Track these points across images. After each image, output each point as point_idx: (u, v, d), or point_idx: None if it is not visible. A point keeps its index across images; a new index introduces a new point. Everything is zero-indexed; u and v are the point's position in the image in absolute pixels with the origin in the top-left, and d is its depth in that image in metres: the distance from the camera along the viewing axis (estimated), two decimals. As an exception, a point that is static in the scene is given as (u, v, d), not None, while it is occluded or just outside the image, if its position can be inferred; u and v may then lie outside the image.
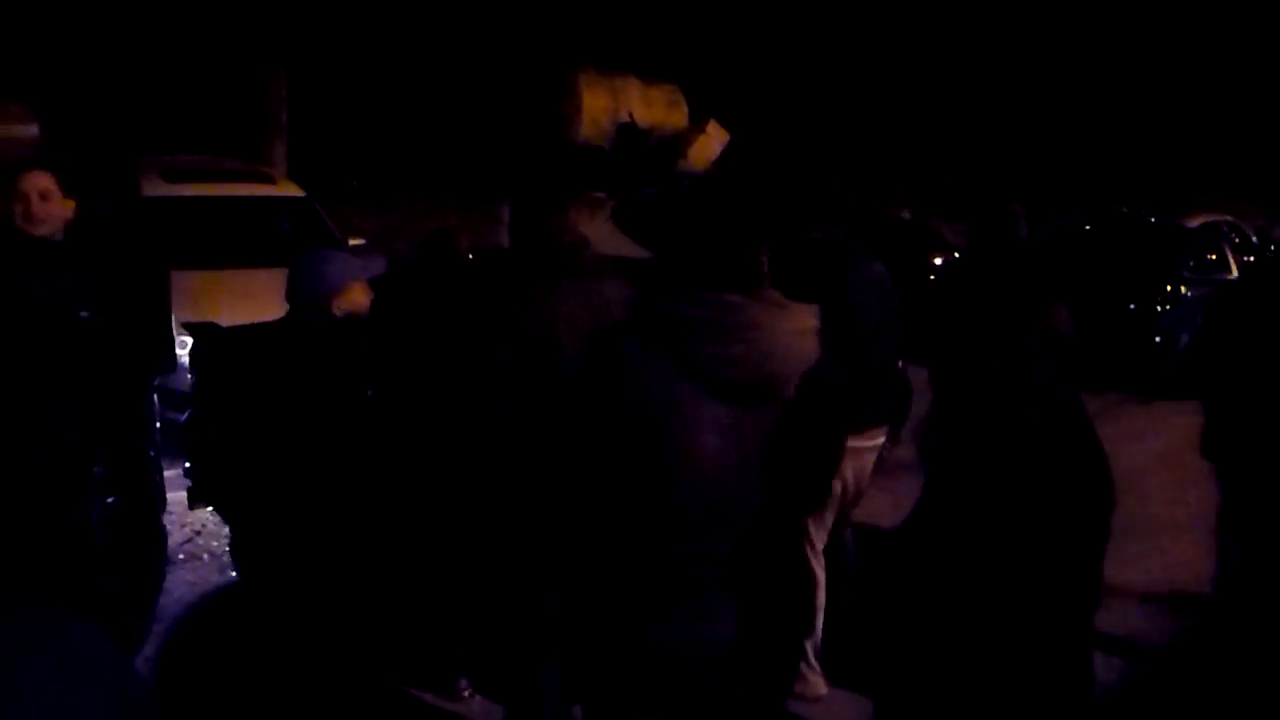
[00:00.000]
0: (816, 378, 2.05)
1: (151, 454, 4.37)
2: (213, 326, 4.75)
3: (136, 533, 4.41)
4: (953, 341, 2.11)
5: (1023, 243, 4.32)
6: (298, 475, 2.85)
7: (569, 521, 2.31)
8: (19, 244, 3.27)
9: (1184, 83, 18.20)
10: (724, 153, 12.93)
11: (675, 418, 2.01)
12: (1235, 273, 9.02)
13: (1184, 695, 3.23)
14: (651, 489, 2.04)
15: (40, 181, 3.29)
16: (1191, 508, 5.40)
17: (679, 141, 13.61)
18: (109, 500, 4.73)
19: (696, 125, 13.76)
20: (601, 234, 11.06)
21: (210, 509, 4.53)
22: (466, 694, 3.60)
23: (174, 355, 4.54)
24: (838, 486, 3.37)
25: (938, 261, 9.91)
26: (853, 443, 3.02)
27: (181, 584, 4.40)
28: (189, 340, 4.85)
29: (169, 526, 4.60)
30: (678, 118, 13.85)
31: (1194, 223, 10.03)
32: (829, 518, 3.57)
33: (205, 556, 4.69)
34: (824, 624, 3.53)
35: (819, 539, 3.55)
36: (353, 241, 7.49)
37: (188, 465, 4.48)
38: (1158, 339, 8.27)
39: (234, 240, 6.95)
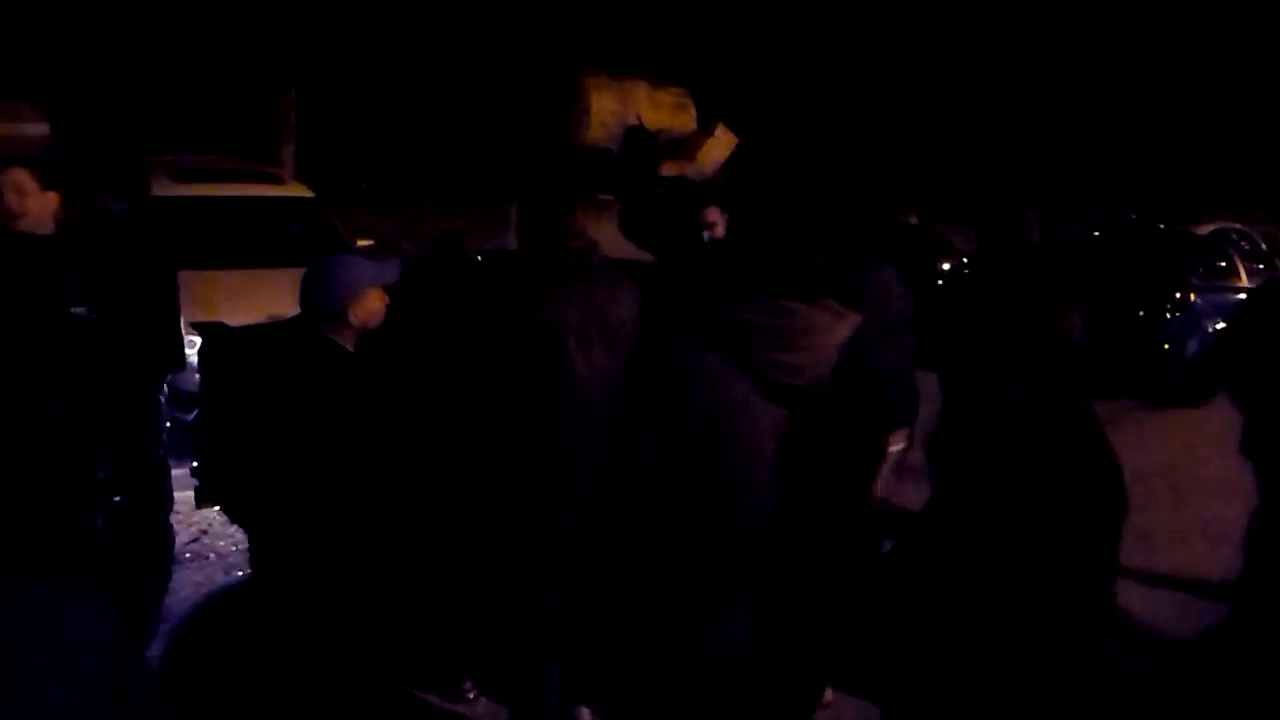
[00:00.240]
0: (859, 379, 2.04)
1: (160, 454, 4.38)
2: (221, 326, 4.75)
3: (143, 532, 4.42)
4: (964, 348, 2.10)
5: (1035, 248, 4.31)
6: (304, 476, 2.84)
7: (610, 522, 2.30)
8: (3, 240, 3.24)
9: (1193, 90, 18.16)
10: (732, 156, 12.94)
11: (735, 423, 2.00)
12: (1244, 280, 9.00)
13: (1202, 697, 3.21)
14: (707, 492, 2.03)
15: (15, 177, 3.26)
16: (1194, 516, 5.38)
17: (687, 144, 13.67)
18: (116, 499, 4.75)
19: (704, 129, 13.83)
20: (610, 236, 11.09)
21: (217, 509, 4.53)
22: (471, 695, 3.60)
23: (183, 354, 4.55)
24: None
25: (945, 266, 9.90)
26: None
27: (188, 583, 4.40)
28: (197, 340, 4.86)
29: (175, 526, 4.60)
30: (686, 121, 13.94)
31: (1203, 230, 10.01)
32: None
33: (211, 556, 4.70)
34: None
35: None
36: (361, 243, 7.50)
37: (195, 465, 4.48)
38: (1166, 346, 8.24)
39: (242, 240, 6.97)
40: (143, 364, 4.24)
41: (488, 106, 13.04)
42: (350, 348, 2.85)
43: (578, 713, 3.40)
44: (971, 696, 1.91)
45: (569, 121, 12.96)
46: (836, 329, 2.04)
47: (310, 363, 2.80)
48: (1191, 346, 8.37)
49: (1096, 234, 9.88)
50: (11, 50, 9.80)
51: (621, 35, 13.68)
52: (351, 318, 2.82)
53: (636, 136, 13.35)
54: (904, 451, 3.69)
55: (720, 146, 13.65)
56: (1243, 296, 9.06)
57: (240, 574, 4.49)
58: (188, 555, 4.65)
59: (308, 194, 7.84)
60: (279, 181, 8.27)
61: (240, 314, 5.19)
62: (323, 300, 2.83)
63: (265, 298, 5.45)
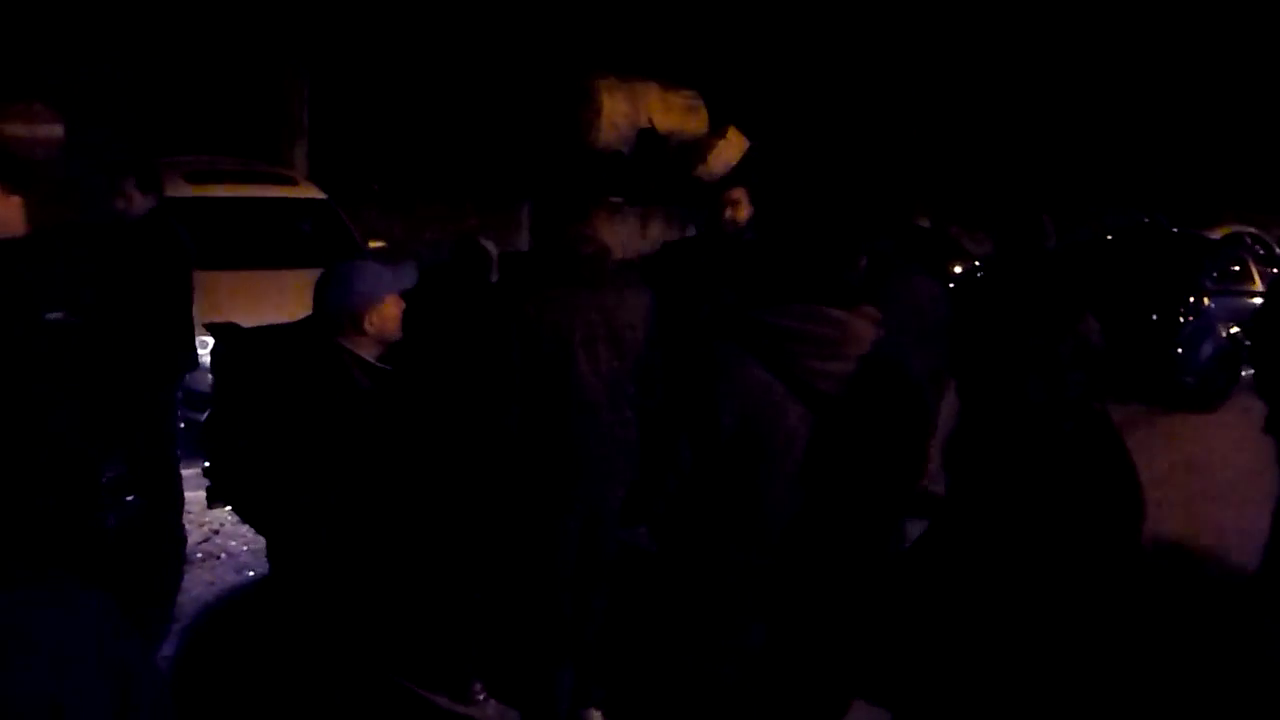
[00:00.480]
0: (896, 380, 2.04)
1: (174, 454, 4.39)
2: (233, 327, 4.77)
3: (155, 532, 4.44)
4: (982, 352, 2.10)
5: (1051, 253, 4.29)
6: (315, 481, 2.82)
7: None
8: None
9: (1206, 93, 18.08)
10: (745, 158, 12.92)
11: (772, 428, 1.99)
12: (1259, 284, 8.94)
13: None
14: (742, 496, 2.03)
15: None
16: (1207, 520, 5.35)
17: (698, 147, 13.66)
18: (128, 499, 4.77)
19: (716, 131, 13.82)
20: (622, 238, 11.10)
21: (229, 509, 4.54)
22: (481, 697, 3.60)
23: (195, 354, 4.57)
24: None
25: (957, 270, 9.87)
26: None
27: (199, 583, 4.41)
28: (209, 340, 4.87)
29: (187, 525, 4.62)
30: (697, 123, 13.93)
31: (1216, 234, 9.95)
32: None
33: (223, 556, 4.71)
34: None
35: None
36: (373, 244, 7.52)
37: (207, 465, 4.49)
38: (1179, 350, 8.20)
39: (256, 241, 6.99)
40: (154, 364, 4.26)
41: (499, 108, 13.05)
42: (368, 356, 2.77)
43: (588, 715, 3.39)
44: (989, 699, 1.90)
45: (580, 123, 12.97)
46: (874, 337, 2.04)
47: (325, 374, 2.73)
48: (1205, 351, 8.33)
49: (1110, 238, 9.84)
50: (25, 51, 9.86)
51: (633, 38, 13.68)
52: (368, 326, 2.72)
53: (648, 139, 13.35)
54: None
55: (731, 149, 13.64)
56: (1258, 300, 9.02)
57: (251, 574, 4.51)
58: (199, 555, 4.66)
59: (320, 195, 7.87)
60: (292, 183, 8.30)
61: (253, 314, 5.20)
62: (338, 308, 2.74)
63: (278, 298, 5.46)
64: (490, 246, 3.98)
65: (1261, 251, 10.23)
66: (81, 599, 1.26)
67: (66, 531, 3.25)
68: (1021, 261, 4.21)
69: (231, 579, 4.50)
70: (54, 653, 1.19)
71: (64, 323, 3.14)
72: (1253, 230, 10.63)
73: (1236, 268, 9.11)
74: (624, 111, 13.22)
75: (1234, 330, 8.54)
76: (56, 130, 8.43)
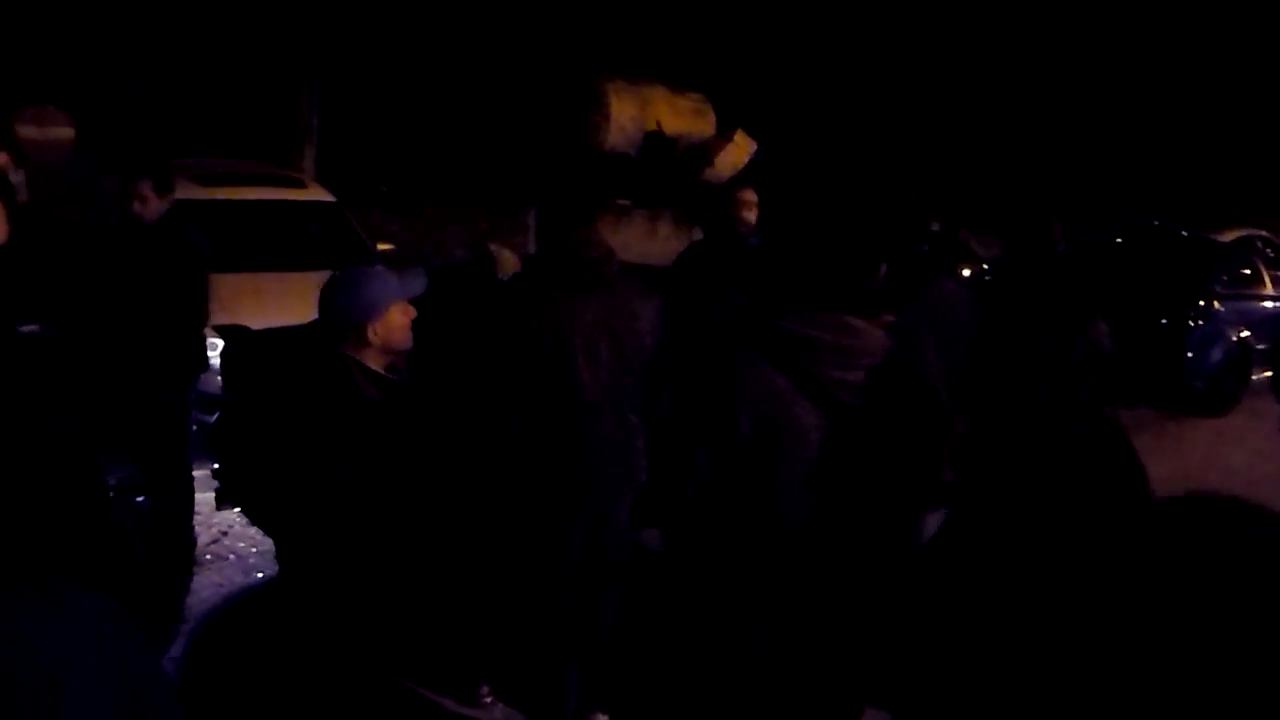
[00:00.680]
0: (909, 382, 2.04)
1: (185, 456, 4.41)
2: (243, 329, 4.78)
3: (165, 534, 4.45)
4: (991, 357, 2.10)
5: (1061, 257, 4.27)
6: (320, 484, 2.81)
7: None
8: None
9: (1216, 96, 18.01)
10: (751, 162, 12.92)
11: (789, 435, 1.99)
12: (1269, 288, 8.91)
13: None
14: (758, 502, 2.03)
15: None
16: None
17: (706, 150, 13.67)
18: (138, 500, 4.78)
19: (723, 134, 13.82)
20: (629, 241, 11.10)
21: (237, 510, 4.56)
22: (488, 700, 3.60)
23: (205, 355, 4.59)
24: None
25: (966, 273, 9.84)
26: None
27: (207, 584, 4.43)
28: (219, 342, 4.89)
29: (196, 527, 4.64)
30: (705, 126, 13.93)
31: (1226, 237, 9.92)
32: None
33: (231, 557, 4.72)
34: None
35: None
36: (381, 247, 7.53)
37: (216, 466, 4.51)
38: (1189, 354, 8.17)
39: (265, 243, 7.01)
40: (167, 366, 4.28)
41: (507, 111, 13.07)
42: (375, 366, 2.67)
43: (594, 718, 3.39)
44: (997, 704, 1.90)
45: (588, 126, 12.99)
46: (888, 346, 2.04)
47: (329, 387, 2.65)
48: (1215, 355, 8.29)
49: (1119, 241, 9.80)
50: (39, 52, 9.91)
51: (640, 40, 13.69)
52: (371, 336, 2.61)
53: (655, 141, 13.36)
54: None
55: (739, 152, 13.64)
56: (1268, 304, 8.98)
57: (260, 575, 4.52)
58: (208, 556, 4.68)
59: (329, 198, 7.89)
60: (301, 185, 8.32)
61: (262, 317, 5.22)
62: (341, 319, 2.64)
63: (287, 301, 5.48)
64: (510, 254, 3.95)
65: (1272, 254, 10.18)
66: (81, 601, 1.26)
67: (68, 533, 3.24)
68: (1030, 265, 4.19)
69: (240, 581, 4.51)
70: (53, 655, 1.19)
71: (35, 336, 3.04)
72: (1263, 233, 10.58)
73: (1247, 271, 9.07)
74: (631, 114, 13.23)
75: (1244, 334, 8.51)
76: (68, 132, 8.48)
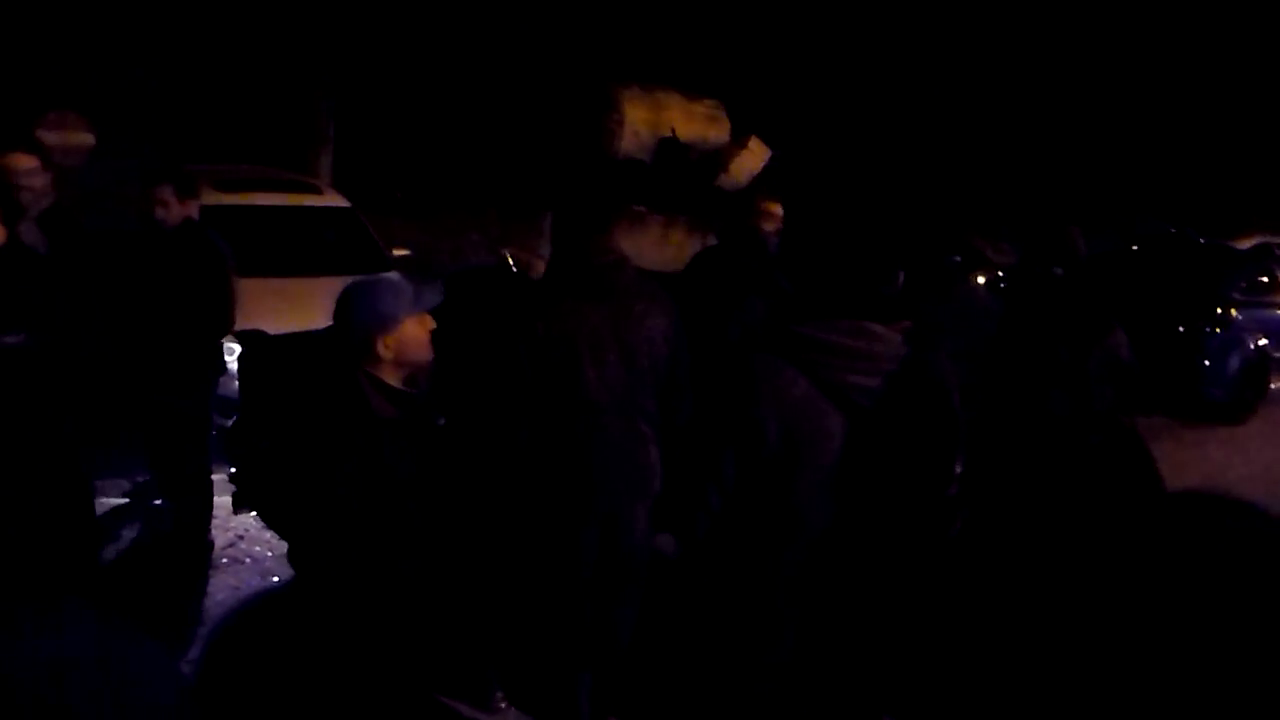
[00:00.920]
0: (927, 386, 2.04)
1: (205, 460, 4.43)
2: (260, 334, 4.81)
3: (182, 537, 4.48)
4: (1008, 364, 2.10)
5: (1083, 264, 4.25)
6: (335, 493, 2.80)
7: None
8: None
9: (1235, 102, 17.91)
10: (770, 169, 12.92)
11: (816, 441, 2.00)
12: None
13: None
14: (782, 513, 2.03)
15: None
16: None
17: (720, 156, 13.67)
18: (156, 503, 4.82)
19: (738, 140, 13.83)
20: (644, 247, 11.10)
21: (254, 514, 4.58)
22: (503, 706, 3.60)
23: (223, 359, 4.62)
24: None
25: (981, 280, 9.80)
26: None
27: (223, 588, 4.45)
28: (236, 347, 4.92)
29: (212, 530, 4.66)
30: (719, 133, 13.93)
31: (1244, 244, 9.84)
32: None
33: (247, 561, 4.74)
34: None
35: None
36: (397, 253, 7.56)
37: (233, 471, 4.54)
38: (1207, 362, 8.11)
39: (282, 249, 7.05)
40: (187, 371, 4.31)
41: (523, 117, 13.11)
42: (393, 380, 2.58)
43: (608, 724, 3.40)
44: (1012, 709, 1.89)
45: (602, 132, 13.02)
46: (906, 352, 2.04)
47: (341, 402, 2.57)
48: (1233, 363, 8.24)
49: (1135, 248, 9.75)
50: (58, 61, 10.01)
51: (655, 47, 13.71)
52: (382, 350, 2.53)
53: (670, 148, 13.37)
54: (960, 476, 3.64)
55: (753, 158, 13.64)
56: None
57: (275, 579, 4.54)
58: (224, 560, 4.70)
59: (345, 204, 7.93)
60: (318, 191, 8.37)
61: (279, 322, 5.25)
62: (353, 332, 2.56)
63: (304, 306, 5.51)
64: (541, 263, 3.94)
65: (1289, 262, 10.10)
66: (82, 610, 1.27)
67: (65, 535, 3.22)
68: (1052, 273, 4.17)
69: (256, 584, 4.52)
70: (53, 664, 1.20)
71: (16, 347, 2.98)
72: (1281, 241, 10.49)
73: (1265, 279, 9.00)
74: (646, 120, 13.25)
75: (1262, 342, 8.45)
76: (88, 138, 8.56)
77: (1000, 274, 9.78)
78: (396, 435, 2.59)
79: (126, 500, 5.03)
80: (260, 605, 4.37)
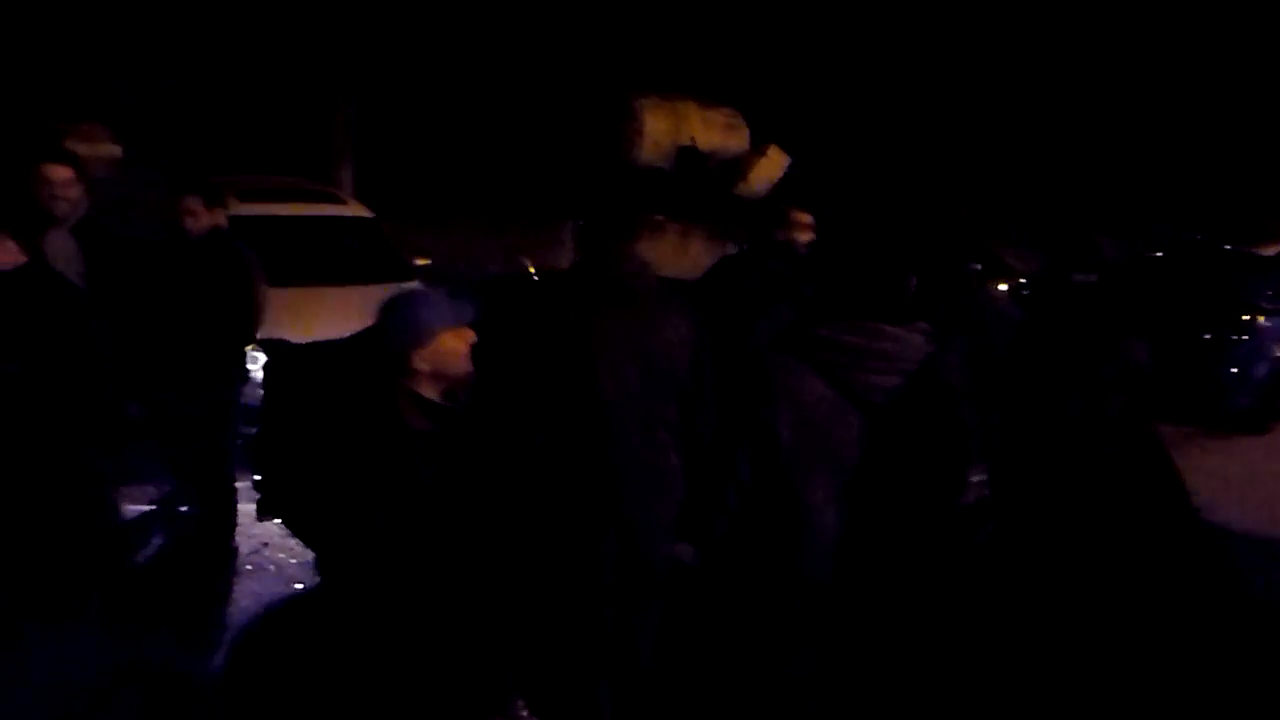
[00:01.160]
0: (939, 392, 2.05)
1: (229, 468, 4.46)
2: (283, 343, 4.85)
3: (206, 545, 4.52)
4: (1027, 370, 2.09)
5: (1111, 271, 4.22)
6: (360, 502, 2.81)
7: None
8: None
9: (1260, 108, 17.77)
10: (792, 178, 12.93)
11: (831, 441, 2.01)
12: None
13: None
14: (796, 516, 2.03)
15: None
16: (1250, 545, 5.24)
17: (739, 165, 13.69)
18: (181, 510, 4.86)
19: (757, 149, 13.85)
20: (663, 256, 11.13)
21: (278, 522, 4.61)
22: (524, 714, 3.60)
23: (245, 367, 4.66)
24: None
25: (1002, 288, 9.75)
26: None
27: (247, 595, 4.47)
28: (260, 355, 4.96)
29: (236, 538, 4.69)
30: (738, 141, 13.97)
31: (1269, 251, 9.75)
32: None
33: (271, 568, 4.77)
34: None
35: None
36: (419, 262, 7.61)
37: (257, 478, 4.57)
38: (1233, 371, 8.04)
39: (305, 258, 7.11)
40: (211, 379, 4.35)
41: (543, 126, 13.18)
42: (431, 394, 2.56)
43: (630, 733, 3.39)
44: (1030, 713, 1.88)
45: (622, 141, 13.06)
46: (925, 353, 2.05)
47: (374, 416, 2.57)
48: (1259, 371, 8.15)
49: (1159, 255, 9.69)
50: (84, 73, 10.15)
51: (674, 56, 13.75)
52: (418, 363, 2.51)
53: (689, 156, 13.40)
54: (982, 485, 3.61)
55: (772, 167, 13.66)
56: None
57: (299, 586, 4.56)
58: (248, 567, 4.73)
59: (367, 214, 8.00)
60: (340, 201, 8.45)
61: (302, 330, 5.30)
62: (389, 345, 2.55)
63: (327, 315, 5.56)
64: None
65: (1317, 269, 10.00)
66: (87, 620, 1.29)
67: (74, 543, 3.20)
68: (1078, 280, 4.14)
69: (280, 591, 4.55)
70: (54, 674, 1.21)
71: (5, 371, 2.89)
72: (1306, 247, 10.38)
73: (1291, 286, 8.91)
74: (665, 129, 13.29)
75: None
76: (115, 149, 8.67)
77: (1023, 281, 9.74)
78: (429, 448, 2.56)
79: (152, 507, 5.07)
80: (284, 612, 4.38)
